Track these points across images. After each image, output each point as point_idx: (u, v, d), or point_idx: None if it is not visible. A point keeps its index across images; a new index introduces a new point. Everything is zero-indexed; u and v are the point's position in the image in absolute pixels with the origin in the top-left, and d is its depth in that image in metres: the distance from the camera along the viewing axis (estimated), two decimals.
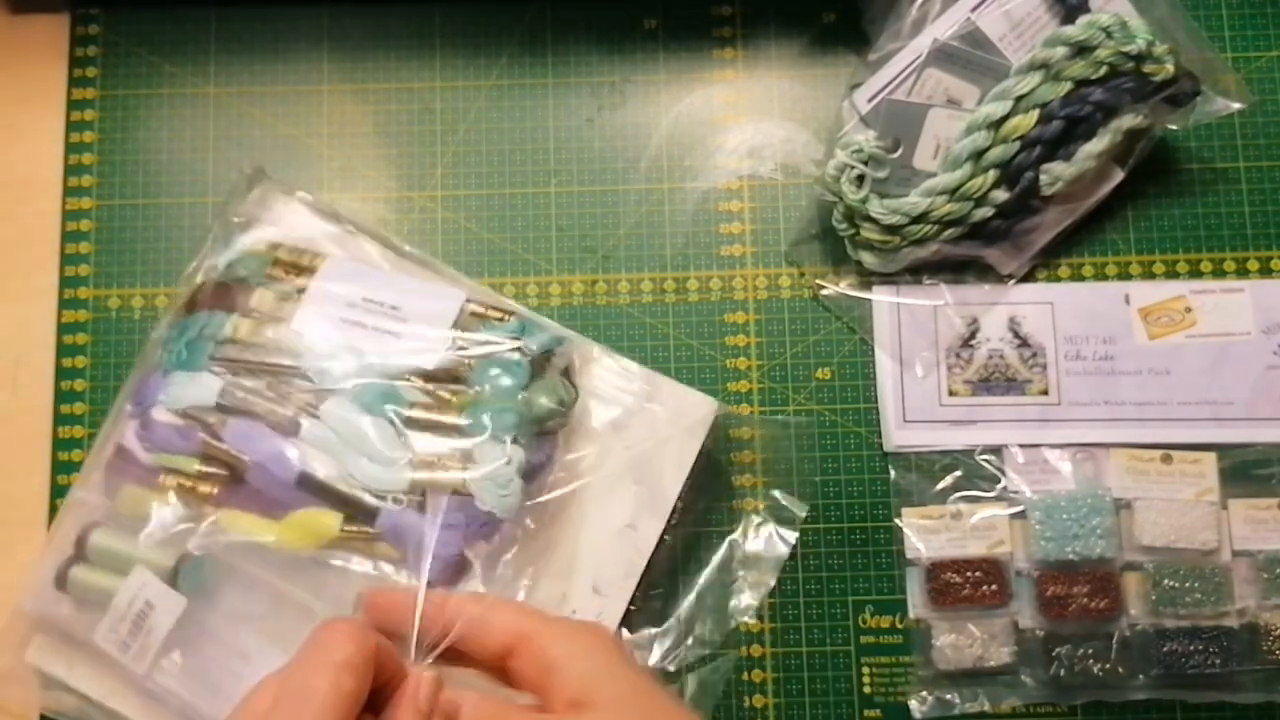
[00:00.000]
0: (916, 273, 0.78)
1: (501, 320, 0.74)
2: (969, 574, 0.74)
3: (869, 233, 0.75)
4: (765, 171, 0.81)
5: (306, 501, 0.71)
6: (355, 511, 0.71)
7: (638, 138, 0.82)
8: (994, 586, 0.74)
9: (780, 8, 0.83)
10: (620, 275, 0.80)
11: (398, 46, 0.82)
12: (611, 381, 0.76)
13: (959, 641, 0.74)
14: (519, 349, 0.73)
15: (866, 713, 0.75)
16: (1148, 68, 0.72)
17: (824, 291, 0.79)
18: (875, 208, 0.74)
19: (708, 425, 0.75)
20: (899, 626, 0.76)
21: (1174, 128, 0.77)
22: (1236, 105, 0.76)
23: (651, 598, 0.75)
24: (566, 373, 0.75)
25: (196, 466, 0.72)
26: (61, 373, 0.79)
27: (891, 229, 0.75)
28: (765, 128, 0.82)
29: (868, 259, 0.77)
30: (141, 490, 0.72)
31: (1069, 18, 0.73)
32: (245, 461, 0.71)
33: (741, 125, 0.82)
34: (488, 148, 0.82)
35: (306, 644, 0.54)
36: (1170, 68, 0.72)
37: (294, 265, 0.76)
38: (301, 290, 0.75)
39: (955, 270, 0.78)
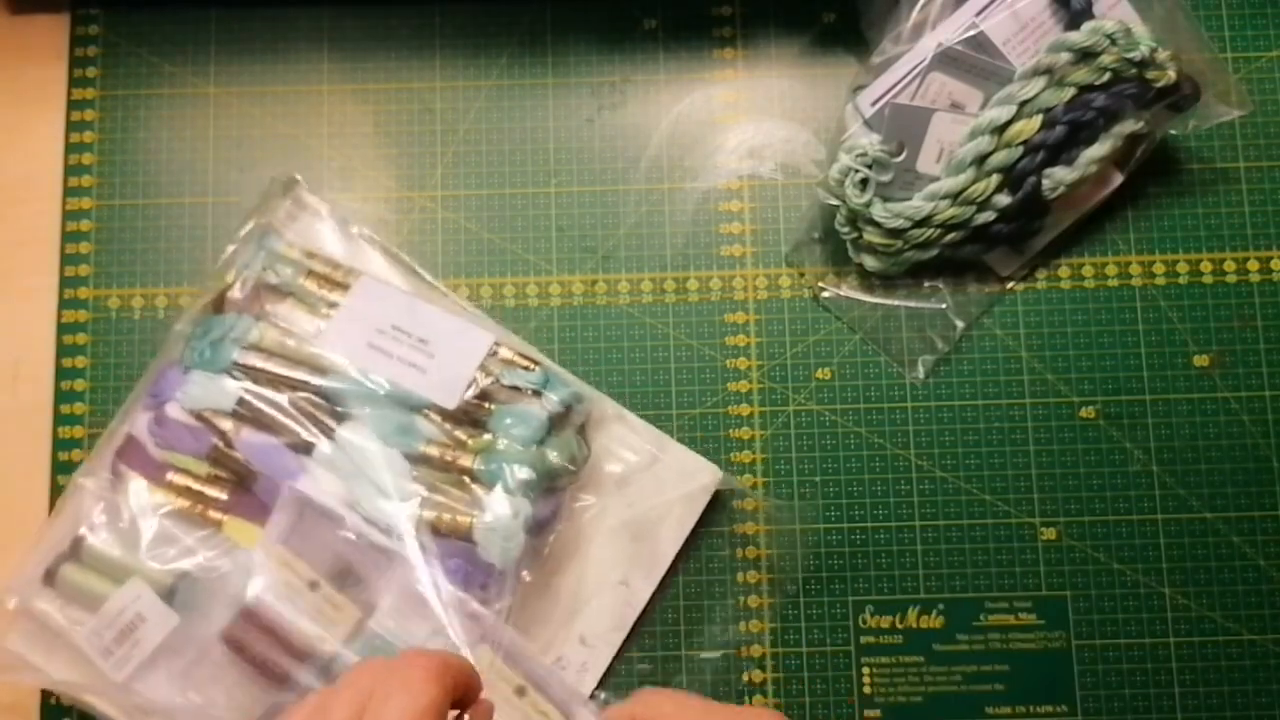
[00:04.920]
0: (917, 275, 0.79)
1: (527, 369, 0.74)
2: None
3: (871, 236, 0.75)
4: (765, 171, 0.81)
5: None
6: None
7: (638, 138, 0.82)
8: None
9: (780, 8, 0.83)
10: (620, 275, 0.80)
11: (398, 46, 0.82)
12: (620, 437, 0.76)
13: None
14: (540, 402, 0.73)
15: (866, 713, 0.75)
16: (1150, 74, 0.72)
17: (824, 293, 0.79)
18: (878, 211, 0.74)
19: (710, 492, 0.75)
20: (899, 626, 0.76)
21: (1175, 132, 0.77)
22: (1237, 112, 0.76)
23: (640, 659, 0.76)
24: (582, 430, 0.75)
25: (205, 469, 0.72)
26: (61, 373, 0.79)
27: (894, 232, 0.75)
28: (765, 128, 0.82)
29: (870, 262, 0.77)
30: (147, 485, 0.72)
31: (1073, 24, 0.73)
32: (255, 473, 0.71)
33: (741, 125, 0.82)
34: (488, 148, 0.81)
35: (391, 679, 0.53)
36: (1172, 74, 0.73)
37: (327, 279, 0.75)
38: (333, 306, 0.74)
39: (956, 272, 0.79)
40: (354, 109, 0.82)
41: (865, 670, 0.76)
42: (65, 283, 0.80)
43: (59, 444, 0.78)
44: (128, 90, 0.82)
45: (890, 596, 0.76)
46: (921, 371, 0.78)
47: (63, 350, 0.79)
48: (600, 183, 0.81)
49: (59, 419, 0.78)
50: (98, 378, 0.79)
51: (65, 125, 0.81)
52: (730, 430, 0.78)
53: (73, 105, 0.81)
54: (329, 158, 0.81)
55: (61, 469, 0.77)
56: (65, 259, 0.80)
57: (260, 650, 0.69)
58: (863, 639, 0.76)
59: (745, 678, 0.76)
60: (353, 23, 0.82)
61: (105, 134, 0.81)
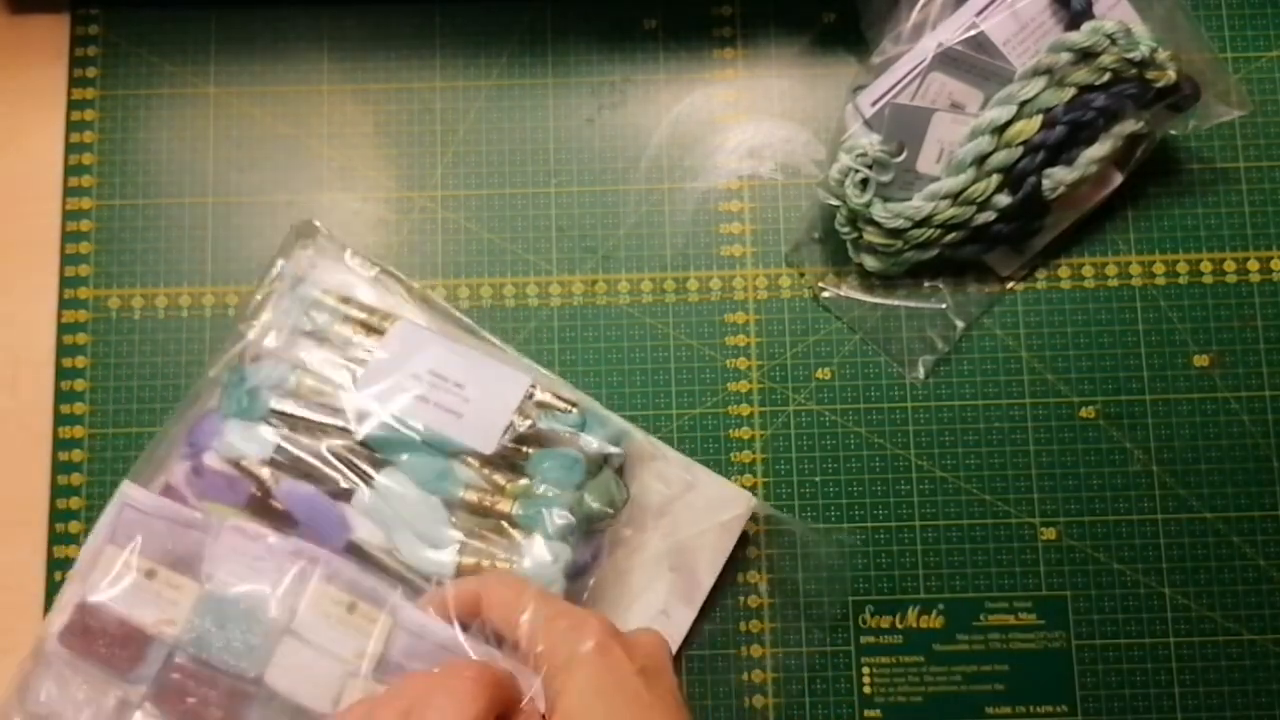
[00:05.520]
0: (917, 275, 0.79)
1: (564, 411, 0.73)
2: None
3: (872, 236, 0.75)
4: (765, 171, 0.81)
5: None
6: (400, 585, 0.71)
7: (638, 138, 0.82)
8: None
9: (780, 8, 0.83)
10: (620, 275, 0.80)
11: (398, 46, 0.82)
12: (654, 468, 0.76)
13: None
14: (578, 445, 0.73)
15: (866, 713, 0.75)
16: (1150, 74, 0.72)
17: (824, 293, 0.79)
18: (879, 211, 0.74)
19: (744, 520, 0.75)
20: (899, 626, 0.76)
21: (1175, 132, 0.77)
22: (1237, 112, 0.76)
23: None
24: (620, 471, 0.74)
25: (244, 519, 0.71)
26: (61, 373, 0.79)
27: (894, 233, 0.75)
28: (765, 128, 0.82)
29: (870, 262, 0.77)
30: None
31: (1073, 24, 0.73)
32: (295, 522, 0.71)
33: (741, 125, 0.82)
34: (488, 148, 0.81)
35: (436, 689, 0.54)
36: (1172, 74, 0.73)
37: (364, 325, 0.75)
38: (369, 351, 0.74)
39: (956, 272, 0.79)
40: (354, 109, 0.82)
41: (865, 670, 0.76)
42: (65, 283, 0.80)
43: (59, 444, 0.78)
44: (128, 90, 0.82)
45: (890, 596, 0.77)
46: (921, 371, 0.78)
47: (63, 350, 0.79)
48: (600, 183, 0.81)
49: (59, 419, 0.78)
50: (98, 378, 0.79)
51: (65, 125, 0.81)
52: (730, 430, 0.78)
53: (73, 105, 0.81)
54: (329, 158, 0.81)
55: (61, 469, 0.77)
56: (65, 259, 0.80)
57: (102, 645, 0.70)
58: (863, 639, 0.76)
59: (745, 678, 0.76)
60: (353, 23, 0.82)
61: (105, 134, 0.81)
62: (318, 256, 0.77)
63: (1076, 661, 0.76)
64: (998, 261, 0.78)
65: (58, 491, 0.77)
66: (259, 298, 0.76)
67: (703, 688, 0.75)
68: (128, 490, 0.71)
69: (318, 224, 0.78)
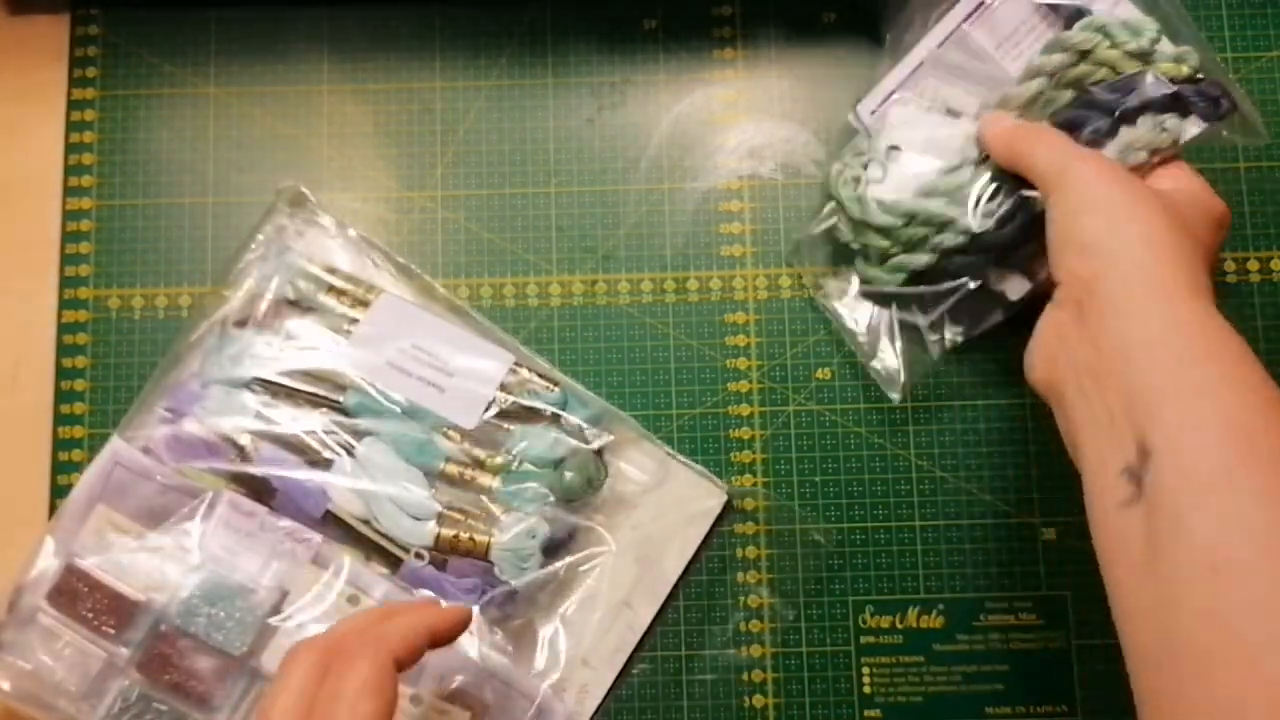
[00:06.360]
0: (917, 281, 0.76)
1: (546, 390, 0.75)
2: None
3: (869, 239, 0.75)
4: (765, 171, 0.81)
5: (330, 537, 0.72)
6: (377, 555, 0.71)
7: (638, 138, 0.82)
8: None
9: (780, 8, 0.83)
10: (620, 275, 0.80)
11: (398, 46, 0.82)
12: (630, 457, 0.76)
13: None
14: (559, 422, 0.74)
15: (866, 713, 0.75)
16: (1163, 67, 0.71)
17: (824, 295, 0.79)
18: (874, 214, 0.74)
19: (714, 515, 0.76)
20: (899, 626, 0.76)
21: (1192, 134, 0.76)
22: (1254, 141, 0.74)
23: (639, 676, 0.76)
24: (600, 451, 0.75)
25: (223, 485, 0.72)
26: (61, 373, 0.79)
27: (888, 232, 0.74)
28: (765, 128, 0.82)
29: (866, 269, 0.77)
30: None
31: (1069, 26, 0.72)
32: (274, 489, 0.71)
33: (741, 125, 0.82)
34: (488, 148, 0.81)
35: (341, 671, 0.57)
36: (1185, 68, 0.70)
37: (348, 295, 0.76)
38: (353, 322, 0.75)
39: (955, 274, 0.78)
40: (354, 109, 0.82)
41: (865, 670, 0.76)
42: (65, 283, 0.80)
43: (59, 444, 0.78)
44: (128, 90, 0.82)
45: (890, 596, 0.76)
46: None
47: (63, 350, 0.79)
48: (600, 183, 0.81)
49: (59, 419, 0.78)
50: (98, 378, 0.79)
51: (65, 125, 0.81)
52: (730, 430, 0.78)
53: (73, 105, 0.81)
54: (329, 158, 0.81)
55: (61, 469, 0.77)
56: (65, 259, 0.80)
57: (89, 608, 0.70)
58: (863, 639, 0.76)
59: (745, 677, 0.76)
60: (353, 23, 0.82)
61: (105, 134, 0.81)
62: (304, 224, 0.78)
63: (1076, 661, 0.76)
64: (1009, 286, 0.76)
65: (58, 491, 0.77)
66: (244, 262, 0.77)
67: (703, 687, 0.75)
68: (119, 449, 0.72)
69: (305, 191, 0.78)
